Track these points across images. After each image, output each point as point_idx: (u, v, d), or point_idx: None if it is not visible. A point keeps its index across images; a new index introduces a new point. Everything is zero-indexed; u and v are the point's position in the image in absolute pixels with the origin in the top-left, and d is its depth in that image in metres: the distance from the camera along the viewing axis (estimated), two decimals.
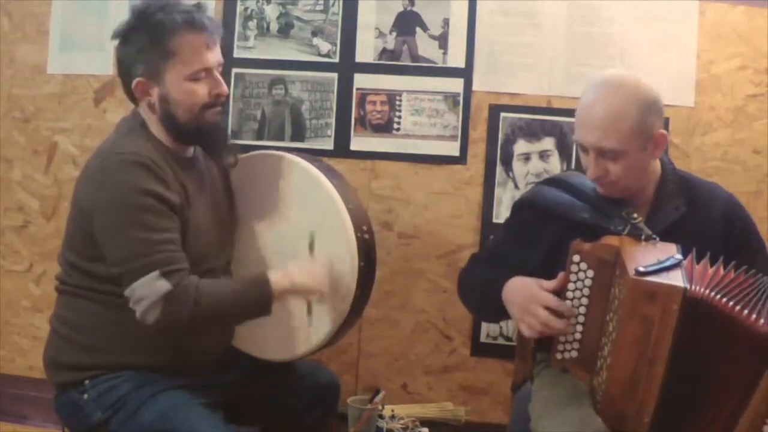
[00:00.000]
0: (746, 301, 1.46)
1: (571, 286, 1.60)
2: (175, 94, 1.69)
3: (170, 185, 1.67)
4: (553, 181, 1.85)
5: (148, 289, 1.58)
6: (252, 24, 2.58)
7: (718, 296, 1.45)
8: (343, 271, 1.86)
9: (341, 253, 1.86)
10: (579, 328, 1.61)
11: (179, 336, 1.71)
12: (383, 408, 2.18)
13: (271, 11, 2.57)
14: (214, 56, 1.73)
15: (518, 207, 1.88)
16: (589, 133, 1.67)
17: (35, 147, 2.69)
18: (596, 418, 1.56)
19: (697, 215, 1.72)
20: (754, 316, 1.43)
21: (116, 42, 1.73)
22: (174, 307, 1.59)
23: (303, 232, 1.89)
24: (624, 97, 1.64)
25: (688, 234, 1.65)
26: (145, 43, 1.67)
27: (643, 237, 1.62)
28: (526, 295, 1.63)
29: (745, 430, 1.43)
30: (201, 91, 1.71)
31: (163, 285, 1.58)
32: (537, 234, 1.77)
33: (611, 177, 1.68)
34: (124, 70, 1.73)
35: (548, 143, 2.49)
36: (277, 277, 1.74)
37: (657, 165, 1.76)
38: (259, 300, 1.72)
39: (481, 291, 1.81)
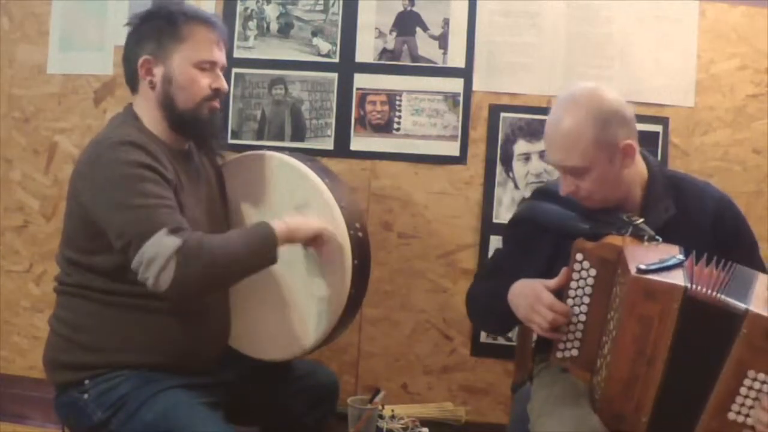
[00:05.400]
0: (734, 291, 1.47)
1: (573, 284, 1.60)
2: (180, 77, 1.74)
3: (164, 165, 1.68)
4: (544, 194, 1.86)
5: (158, 248, 1.55)
6: (252, 24, 2.58)
7: (719, 296, 1.45)
8: (336, 269, 1.86)
9: (334, 252, 1.86)
10: (580, 327, 1.61)
11: (179, 329, 1.71)
12: (383, 408, 2.18)
13: (271, 11, 2.57)
14: (221, 55, 1.81)
15: (515, 222, 1.89)
16: (551, 152, 1.70)
17: (35, 147, 2.69)
18: (594, 417, 1.56)
19: (687, 215, 1.72)
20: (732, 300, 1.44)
21: (128, 28, 1.79)
22: (188, 262, 1.56)
23: None
24: (579, 114, 1.64)
25: (680, 234, 1.65)
26: (160, 25, 1.74)
27: (645, 238, 1.62)
28: (531, 296, 1.63)
29: (726, 381, 1.44)
30: (203, 81, 1.76)
31: (174, 240, 1.56)
32: (535, 247, 1.78)
33: (583, 192, 1.68)
34: (132, 51, 1.77)
35: None
36: (276, 222, 1.74)
37: (642, 168, 1.76)
38: (265, 243, 1.70)
39: (486, 300, 1.82)
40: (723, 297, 1.44)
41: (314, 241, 1.83)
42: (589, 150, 1.63)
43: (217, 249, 1.62)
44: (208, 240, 1.63)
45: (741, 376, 1.43)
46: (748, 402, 1.43)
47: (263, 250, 1.71)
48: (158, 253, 1.55)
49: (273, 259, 1.73)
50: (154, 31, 1.75)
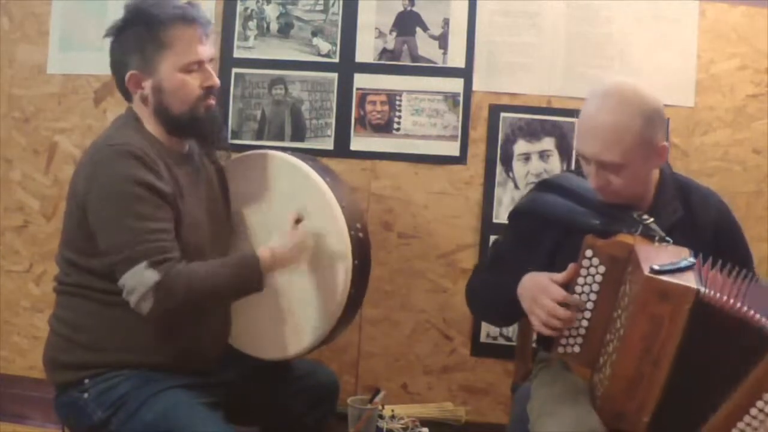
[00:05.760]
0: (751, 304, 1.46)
1: (580, 280, 1.60)
2: (169, 84, 1.72)
3: (162, 176, 1.68)
4: (550, 186, 1.84)
5: (137, 280, 1.59)
6: (252, 24, 2.58)
7: (731, 301, 1.45)
8: (336, 269, 1.86)
9: (335, 252, 1.86)
10: (584, 323, 1.61)
11: (179, 329, 1.71)
12: (383, 408, 2.18)
13: (271, 11, 2.57)
14: (206, 50, 1.77)
15: (516, 215, 1.87)
16: (590, 145, 1.65)
17: (35, 147, 2.69)
18: (594, 417, 1.56)
19: (692, 219, 1.73)
20: (758, 316, 1.43)
21: (110, 40, 1.76)
22: (165, 296, 1.60)
23: None
24: (628, 111, 1.62)
25: (684, 237, 1.66)
26: (139, 35, 1.71)
27: (656, 238, 1.62)
28: (536, 288, 1.62)
29: (740, 396, 1.44)
30: (193, 83, 1.74)
31: (152, 276, 1.59)
32: (537, 241, 1.77)
33: (613, 187, 1.67)
34: (118, 64, 1.76)
35: (548, 143, 2.49)
36: (263, 253, 1.76)
37: (656, 169, 1.76)
38: (250, 277, 1.73)
39: (490, 293, 1.81)
40: (755, 314, 1.43)
41: (302, 254, 1.83)
42: (631, 147, 1.61)
43: (198, 283, 1.65)
44: (188, 273, 1.64)
45: (756, 397, 1.43)
46: (755, 423, 1.43)
47: (247, 283, 1.74)
48: (137, 285, 1.60)
49: (258, 289, 1.76)
50: (135, 42, 1.72)
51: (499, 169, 2.51)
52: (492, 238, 2.48)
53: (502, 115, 2.51)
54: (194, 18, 1.75)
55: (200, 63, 1.75)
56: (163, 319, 1.66)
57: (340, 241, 1.86)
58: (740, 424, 1.44)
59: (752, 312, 1.44)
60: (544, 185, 1.87)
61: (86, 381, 1.69)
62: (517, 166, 2.51)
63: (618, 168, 1.64)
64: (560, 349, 1.64)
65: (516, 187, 2.51)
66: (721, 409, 1.45)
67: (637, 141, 1.62)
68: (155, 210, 1.65)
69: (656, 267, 1.48)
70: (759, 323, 1.43)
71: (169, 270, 1.61)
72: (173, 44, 1.71)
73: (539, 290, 1.61)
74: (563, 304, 1.58)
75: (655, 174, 1.76)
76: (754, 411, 1.43)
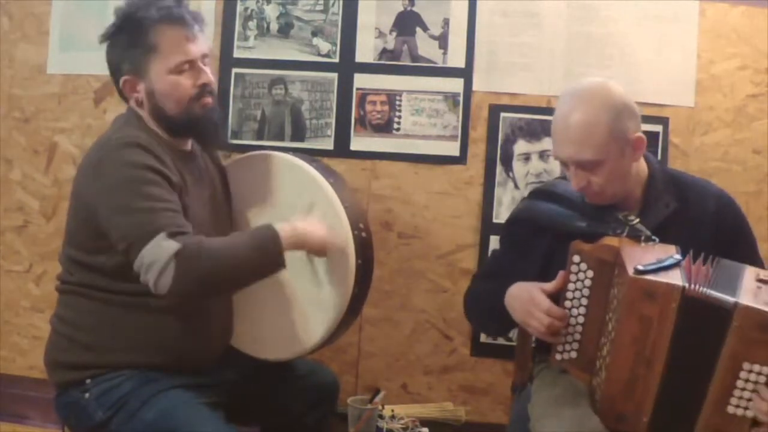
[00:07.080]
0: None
1: (571, 286, 1.61)
2: (160, 87, 1.72)
3: (168, 167, 1.68)
4: (542, 194, 1.86)
5: (157, 252, 1.55)
6: (252, 24, 2.58)
7: (708, 291, 1.45)
8: (340, 269, 1.86)
9: (339, 252, 1.86)
10: (579, 328, 1.61)
11: (180, 329, 1.71)
12: (383, 408, 2.18)
13: (271, 11, 2.57)
14: (197, 47, 1.75)
15: (511, 222, 1.89)
16: (563, 147, 1.68)
17: (35, 147, 2.69)
18: (594, 418, 1.56)
19: (687, 212, 1.73)
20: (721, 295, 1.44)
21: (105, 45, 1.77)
22: (186, 266, 1.55)
23: None
24: (593, 108, 1.64)
25: (679, 231, 1.66)
26: (127, 40, 1.72)
27: (642, 238, 1.63)
28: (527, 300, 1.63)
29: (722, 375, 1.44)
30: (185, 83, 1.73)
31: (172, 245, 1.55)
32: (532, 247, 1.78)
33: (595, 187, 1.68)
34: (113, 69, 1.77)
35: (548, 143, 2.48)
36: (281, 226, 1.72)
37: (643, 165, 1.76)
38: (271, 250, 1.67)
39: (484, 303, 1.82)
40: (711, 292, 1.44)
41: (319, 251, 1.83)
42: (604, 142, 1.63)
43: (218, 253, 1.61)
44: (209, 244, 1.61)
45: (737, 370, 1.43)
46: (746, 394, 1.44)
47: (267, 255, 1.68)
48: (157, 257, 1.55)
49: (280, 264, 1.70)
50: (125, 48, 1.73)
51: (499, 169, 2.51)
52: (492, 238, 2.49)
53: (502, 115, 2.51)
54: (180, 17, 1.73)
55: (191, 62, 1.73)
56: (182, 297, 1.60)
57: (344, 242, 1.86)
58: (733, 400, 1.44)
59: (716, 294, 1.44)
60: (538, 193, 1.89)
61: (88, 381, 1.68)
62: (517, 166, 2.51)
63: (595, 165, 1.65)
64: (557, 356, 1.64)
65: (516, 187, 2.51)
66: (710, 393, 1.45)
67: (609, 135, 1.63)
68: (164, 192, 1.63)
69: (641, 267, 1.48)
70: (720, 301, 1.43)
71: (188, 240, 1.58)
72: (160, 47, 1.71)
73: (530, 302, 1.62)
74: (553, 315, 1.58)
75: (643, 170, 1.76)
76: (740, 383, 1.43)
